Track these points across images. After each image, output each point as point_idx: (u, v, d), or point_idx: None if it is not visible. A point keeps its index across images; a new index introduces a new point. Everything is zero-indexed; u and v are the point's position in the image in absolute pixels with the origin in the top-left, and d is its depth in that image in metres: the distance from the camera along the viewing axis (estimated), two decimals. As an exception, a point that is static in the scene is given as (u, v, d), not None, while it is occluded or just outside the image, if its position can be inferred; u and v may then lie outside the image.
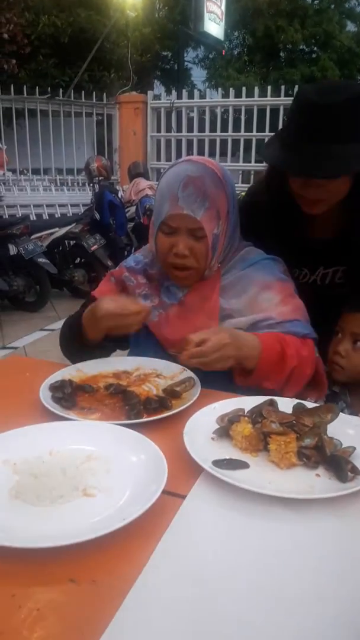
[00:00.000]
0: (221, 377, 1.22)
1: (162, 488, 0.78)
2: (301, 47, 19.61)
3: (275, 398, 1.08)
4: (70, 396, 1.13)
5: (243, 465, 0.89)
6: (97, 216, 6.01)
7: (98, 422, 1.03)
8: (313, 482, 0.86)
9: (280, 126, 7.65)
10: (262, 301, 1.30)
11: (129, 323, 1.23)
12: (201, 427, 0.99)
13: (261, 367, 1.20)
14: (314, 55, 19.65)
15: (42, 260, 5.42)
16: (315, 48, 19.93)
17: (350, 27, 21.35)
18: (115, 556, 0.70)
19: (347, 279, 1.45)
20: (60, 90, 8.50)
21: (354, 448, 0.92)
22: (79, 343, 1.34)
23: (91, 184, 6.63)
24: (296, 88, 7.72)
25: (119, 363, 1.32)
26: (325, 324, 1.37)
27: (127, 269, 1.44)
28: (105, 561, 0.69)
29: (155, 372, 1.27)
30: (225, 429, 0.98)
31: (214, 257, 1.29)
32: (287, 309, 1.30)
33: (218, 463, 0.88)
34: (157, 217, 1.29)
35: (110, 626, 0.58)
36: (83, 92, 8.65)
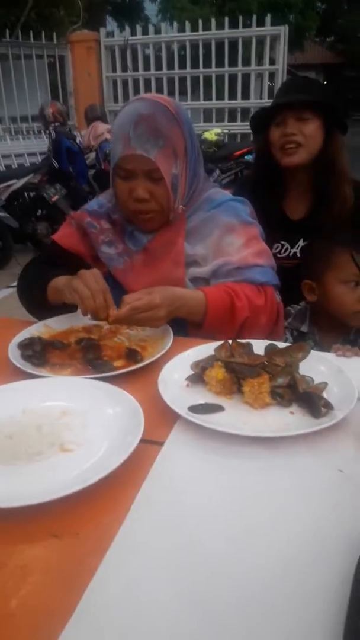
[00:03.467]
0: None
1: (140, 437, 0.78)
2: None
3: (249, 340, 1.08)
4: (41, 353, 1.11)
5: (218, 408, 0.90)
6: (56, 164, 5.77)
7: (71, 377, 1.02)
8: (288, 419, 0.87)
9: (240, 61, 7.40)
10: (225, 245, 1.29)
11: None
12: (175, 374, 0.99)
13: (209, 321, 1.21)
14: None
15: (1, 214, 5.23)
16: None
17: None
18: (97, 508, 0.70)
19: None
20: (7, 32, 7.95)
21: (326, 384, 0.93)
22: (40, 303, 1.29)
23: (47, 131, 6.32)
24: (254, 18, 7.44)
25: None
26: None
27: (90, 213, 1.38)
28: (88, 514, 0.69)
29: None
30: (198, 374, 0.98)
31: (177, 199, 1.25)
32: (248, 253, 1.28)
33: (194, 408, 0.88)
34: (113, 161, 1.24)
35: (94, 577, 0.59)
36: (32, 32, 8.11)
